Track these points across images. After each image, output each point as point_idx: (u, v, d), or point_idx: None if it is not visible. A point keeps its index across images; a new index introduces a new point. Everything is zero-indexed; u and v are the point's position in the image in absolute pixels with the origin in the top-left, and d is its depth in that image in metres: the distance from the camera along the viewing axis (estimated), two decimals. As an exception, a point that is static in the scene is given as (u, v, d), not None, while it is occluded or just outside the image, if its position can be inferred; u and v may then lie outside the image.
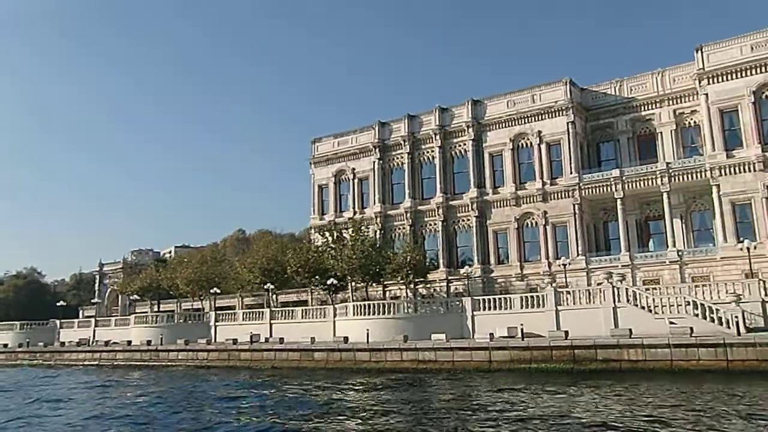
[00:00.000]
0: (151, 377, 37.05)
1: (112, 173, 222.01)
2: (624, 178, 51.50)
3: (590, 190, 53.02)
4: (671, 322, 28.26)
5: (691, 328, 26.34)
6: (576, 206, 53.20)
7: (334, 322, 42.27)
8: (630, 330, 27.94)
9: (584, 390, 22.89)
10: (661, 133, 53.73)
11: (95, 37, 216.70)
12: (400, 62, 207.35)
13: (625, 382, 24.45)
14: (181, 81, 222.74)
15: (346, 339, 36.80)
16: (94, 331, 59.26)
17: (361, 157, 65.28)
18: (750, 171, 46.86)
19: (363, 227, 53.52)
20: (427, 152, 61.67)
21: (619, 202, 51.67)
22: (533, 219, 55.23)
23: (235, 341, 42.26)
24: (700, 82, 49.66)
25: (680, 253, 48.82)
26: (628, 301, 31.99)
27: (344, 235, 52.50)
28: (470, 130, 58.79)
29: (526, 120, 56.49)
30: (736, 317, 26.63)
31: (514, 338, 31.53)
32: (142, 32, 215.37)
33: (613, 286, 32.90)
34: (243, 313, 51.69)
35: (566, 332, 29.65)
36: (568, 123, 54.48)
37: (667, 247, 49.77)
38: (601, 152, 57.10)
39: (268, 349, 38.48)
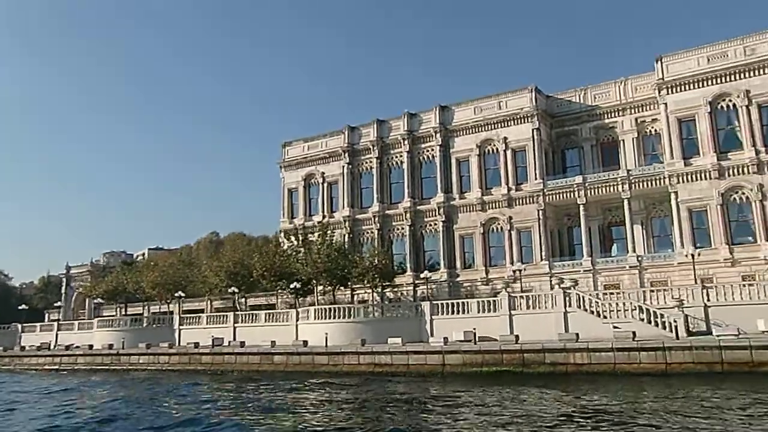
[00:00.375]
0: (105, 382, 36.80)
1: (90, 172, 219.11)
2: (586, 184, 52.46)
3: (554, 196, 53.88)
4: (615, 327, 28.98)
5: (634, 333, 27.05)
6: (540, 212, 54.02)
7: (297, 325, 42.39)
8: (577, 334, 28.56)
9: (525, 391, 23.43)
10: (623, 140, 54.87)
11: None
12: (372, 67, 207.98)
13: (569, 385, 25.04)
14: (178, 74, 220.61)
15: (305, 343, 36.97)
16: (57, 335, 58.52)
17: (331, 162, 65.53)
18: (706, 179, 48.07)
19: (329, 231, 53.60)
20: (396, 157, 62.15)
21: (581, 208, 52.60)
22: (498, 224, 55.94)
23: (196, 345, 42.12)
24: (659, 92, 50.84)
25: (640, 259, 49.88)
26: (578, 306, 32.70)
27: (310, 239, 52.62)
28: (438, 135, 59.40)
29: (493, 126, 57.25)
30: (676, 322, 27.36)
31: (469, 342, 31.97)
32: (95, 35, 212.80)
33: (564, 292, 33.60)
34: (207, 316, 51.51)
35: (517, 336, 30.21)
36: (533, 130, 55.34)
37: (628, 252, 50.77)
38: (566, 159, 58.07)
39: (229, 353, 38.48)
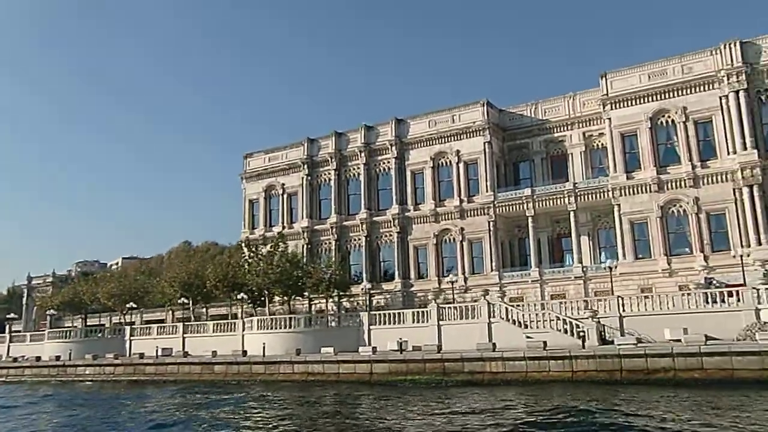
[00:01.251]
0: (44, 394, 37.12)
1: (62, 182, 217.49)
2: (535, 197, 53.80)
3: (504, 207, 55.16)
4: (528, 337, 30.07)
5: (545, 342, 28.14)
6: (491, 223, 55.26)
7: (243, 335, 43.02)
8: (494, 344, 29.60)
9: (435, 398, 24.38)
10: (572, 154, 56.39)
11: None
12: (333, 79, 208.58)
13: (484, 392, 26.02)
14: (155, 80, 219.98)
15: (244, 353, 37.67)
16: (9, 346, 58.32)
17: (291, 173, 66.36)
18: (646, 192, 49.63)
19: (282, 243, 54.36)
20: (354, 169, 63.15)
21: (530, 219, 53.95)
22: (451, 235, 57.07)
23: (141, 355, 42.58)
24: (604, 107, 52.44)
25: (584, 269, 51.24)
26: (501, 317, 33.79)
27: (262, 250, 53.26)
28: (393, 148, 60.53)
29: (446, 139, 58.51)
30: (584, 332, 28.54)
31: (399, 352, 32.88)
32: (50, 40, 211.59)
33: (489, 303, 34.71)
34: (158, 327, 51.85)
35: (439, 346, 31.23)
36: (484, 143, 56.66)
37: (573, 263, 52.12)
38: (518, 171, 59.45)
39: (172, 363, 39.05)
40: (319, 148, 65.39)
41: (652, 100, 50.46)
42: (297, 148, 66.60)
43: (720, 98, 48.05)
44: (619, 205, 50.43)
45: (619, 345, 26.49)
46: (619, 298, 32.91)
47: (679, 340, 26.76)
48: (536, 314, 32.93)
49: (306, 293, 55.84)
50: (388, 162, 61.14)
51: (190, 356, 40.11)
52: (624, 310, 32.02)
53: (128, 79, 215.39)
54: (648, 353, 25.09)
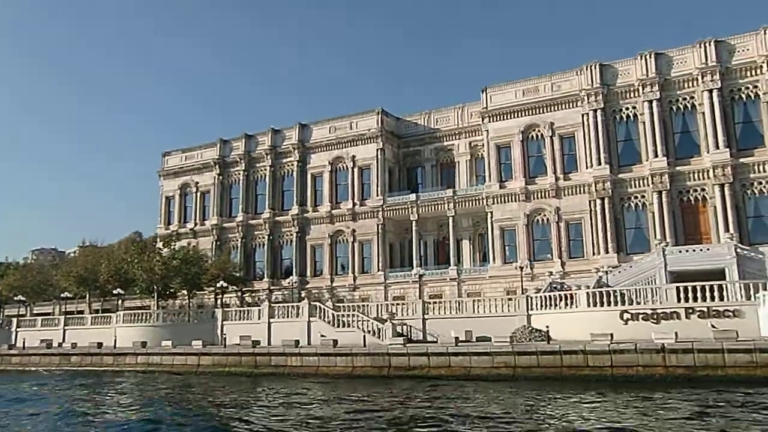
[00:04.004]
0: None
1: (25, 172, 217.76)
2: (419, 202, 57.15)
3: (392, 211, 58.48)
4: (322, 335, 33.42)
5: (335, 341, 31.43)
6: (379, 226, 58.54)
7: (116, 328, 45.90)
8: (297, 341, 32.85)
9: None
10: (459, 162, 59.83)
11: None
12: (243, 80, 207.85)
13: (282, 383, 29.18)
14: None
15: (99, 345, 40.65)
16: None
17: (204, 172, 69.12)
18: (515, 201, 53.14)
19: (172, 241, 57.32)
20: (261, 170, 66.08)
21: (414, 223, 57.31)
22: (344, 236, 60.30)
23: (11, 347, 45.38)
24: (483, 120, 55.80)
25: (459, 272, 54.70)
26: (318, 317, 37.07)
27: (167, 247, 55.95)
28: (296, 151, 63.53)
29: (344, 145, 61.62)
30: (365, 331, 31.95)
31: (239, 345, 36.04)
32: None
33: (310, 304, 38.02)
34: (42, 320, 54.55)
35: (255, 342, 34.45)
36: (377, 150, 59.86)
37: (449, 265, 55.58)
38: (413, 177, 62.76)
39: (35, 354, 41.91)
40: (231, 149, 68.22)
41: (525, 115, 53.90)
42: (211, 148, 69.34)
43: (582, 115, 51.59)
44: (491, 212, 53.92)
45: (388, 344, 29.83)
46: (423, 303, 36.31)
47: (468, 341, 30.17)
48: (348, 315, 36.24)
49: (206, 288, 58.91)
50: (292, 165, 64.13)
51: (54, 348, 42.97)
52: (427, 314, 35.39)
53: (86, 63, 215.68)
54: (410, 352, 28.41)
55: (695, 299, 26.56)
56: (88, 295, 57.02)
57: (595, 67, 51.23)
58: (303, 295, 61.05)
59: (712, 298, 26.24)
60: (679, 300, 26.67)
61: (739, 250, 41.04)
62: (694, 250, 42.61)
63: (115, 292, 52.38)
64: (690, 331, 25.44)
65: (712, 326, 24.51)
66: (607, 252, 48.72)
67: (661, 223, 47.53)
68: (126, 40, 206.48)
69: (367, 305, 39.90)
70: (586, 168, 50.84)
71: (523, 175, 53.27)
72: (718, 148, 46.64)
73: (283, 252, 64.03)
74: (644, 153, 49.29)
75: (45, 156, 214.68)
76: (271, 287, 62.36)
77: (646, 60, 49.79)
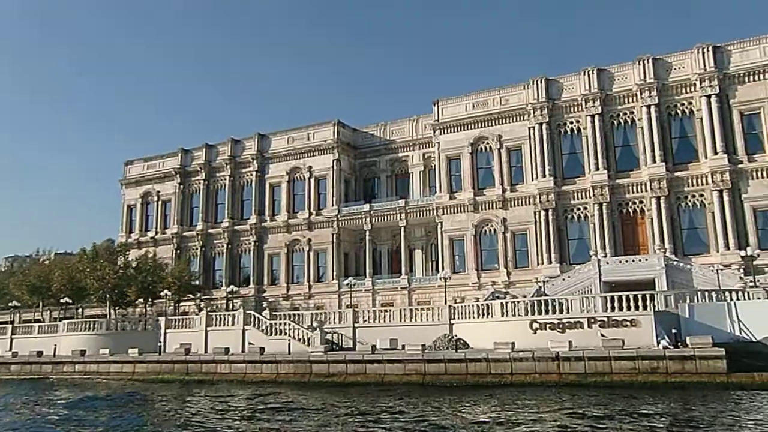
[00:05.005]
0: None
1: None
2: (372, 212, 58.22)
3: (347, 221, 59.49)
4: (250, 343, 34.31)
5: (261, 348, 32.31)
6: (334, 235, 59.51)
7: (61, 337, 46.29)
8: (227, 348, 33.67)
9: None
10: (412, 173, 61.04)
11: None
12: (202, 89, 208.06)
13: (204, 389, 29.98)
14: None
15: (39, 353, 41.18)
16: None
17: (166, 181, 69.74)
18: (464, 212, 54.33)
19: (125, 250, 57.96)
20: (221, 180, 66.86)
21: (367, 233, 58.34)
22: (300, 245, 61.18)
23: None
24: (434, 132, 57.04)
25: (410, 281, 55.74)
26: (252, 325, 37.94)
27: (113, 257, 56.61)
28: (255, 162, 64.41)
29: (301, 156, 62.63)
30: (296, 339, 32.88)
31: (175, 353, 36.75)
32: None
33: (245, 313, 38.93)
34: (-6, 328, 54.95)
35: (188, 349, 35.22)
36: (333, 160, 60.92)
37: (400, 274, 56.61)
38: (369, 187, 63.85)
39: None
40: (192, 159, 68.94)
41: (475, 128, 55.21)
42: (173, 157, 70.00)
43: (528, 129, 52.97)
44: (441, 222, 55.06)
45: (310, 352, 30.76)
46: (353, 312, 37.29)
47: (394, 349, 31.17)
48: (281, 324, 37.11)
49: (162, 296, 59.40)
50: (251, 174, 64.97)
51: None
52: (357, 322, 36.34)
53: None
54: (329, 360, 29.34)
55: (596, 310, 27.75)
56: (41, 304, 57.29)
57: (541, 82, 52.72)
58: (264, 304, 62.43)
59: (612, 309, 27.42)
60: (581, 311, 27.86)
61: (668, 261, 42.47)
62: (627, 261, 44.05)
63: (62, 301, 52.80)
64: (591, 339, 26.55)
65: (602, 335, 25.67)
66: (550, 262, 49.99)
67: (601, 234, 48.92)
68: (88, 45, 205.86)
69: (301, 314, 40.76)
70: (532, 180, 52.18)
71: (472, 186, 54.52)
72: (655, 162, 48.19)
73: (242, 260, 64.74)
74: (587, 166, 50.72)
75: (16, 160, 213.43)
76: (230, 295, 62.72)
77: (588, 75, 51.34)
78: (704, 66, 47.59)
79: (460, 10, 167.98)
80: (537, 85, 52.77)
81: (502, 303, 30.95)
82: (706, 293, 29.88)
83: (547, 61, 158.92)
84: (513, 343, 25.82)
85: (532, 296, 38.91)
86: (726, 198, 45.73)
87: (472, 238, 53.62)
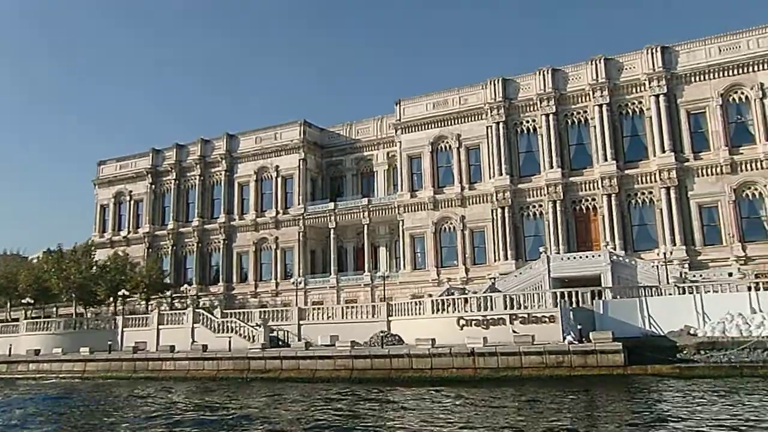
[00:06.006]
0: None
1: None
2: (337, 210, 59.31)
3: (313, 219, 60.59)
4: (194, 341, 35.45)
5: (204, 346, 33.44)
6: (300, 233, 60.61)
7: (21, 337, 47.25)
8: (173, 346, 34.78)
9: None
10: (377, 171, 62.16)
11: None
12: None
13: (155, 385, 31.09)
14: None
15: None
16: None
17: (138, 181, 70.68)
18: (425, 210, 55.45)
19: (92, 252, 59.01)
20: (192, 179, 67.83)
21: (332, 231, 59.47)
22: (268, 243, 62.27)
23: None
24: (396, 132, 58.10)
25: (372, 278, 56.87)
26: (201, 324, 39.07)
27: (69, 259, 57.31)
28: (224, 161, 65.41)
29: (269, 155, 63.65)
30: (242, 336, 34.06)
31: (123, 351, 37.85)
32: None
33: (194, 312, 40.07)
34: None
35: (135, 347, 36.44)
36: (299, 160, 61.96)
37: (364, 272, 57.77)
38: (336, 186, 64.94)
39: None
40: (164, 159, 69.86)
41: (435, 127, 56.28)
42: (145, 157, 70.92)
43: (486, 128, 54.04)
44: (403, 220, 56.20)
45: (248, 349, 31.91)
46: (299, 309, 38.45)
47: (333, 345, 32.33)
48: (230, 321, 38.25)
49: (132, 295, 60.43)
50: (220, 174, 65.96)
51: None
52: (303, 320, 37.48)
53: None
54: (265, 356, 30.55)
55: (519, 307, 28.89)
56: (9, 304, 58.34)
57: (498, 82, 53.77)
58: (235, 302, 63.57)
59: (530, 306, 28.58)
60: (505, 307, 28.98)
61: (614, 257, 43.68)
62: (574, 258, 45.24)
63: (24, 301, 53.90)
64: (511, 335, 27.67)
65: (513, 332, 26.82)
66: (506, 259, 51.18)
67: (555, 231, 50.10)
68: (76, 42, 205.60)
69: (250, 312, 41.90)
70: (490, 178, 53.28)
71: (433, 185, 55.62)
72: (606, 160, 49.35)
73: (212, 259, 65.80)
74: (542, 164, 51.84)
75: (6, 158, 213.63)
76: (200, 293, 63.98)
77: (543, 76, 52.41)
78: (653, 66, 48.72)
79: (433, 9, 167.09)
80: (494, 85, 53.83)
81: (432, 301, 32.08)
82: (621, 291, 31.07)
83: (507, 62, 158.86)
84: (433, 340, 26.97)
85: (485, 292, 40.13)
86: (673, 195, 46.95)
87: (432, 236, 54.77)
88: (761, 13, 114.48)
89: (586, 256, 45.06)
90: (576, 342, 24.88)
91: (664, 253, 43.97)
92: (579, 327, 25.94)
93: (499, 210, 52.15)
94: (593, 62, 50.83)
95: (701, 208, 46.57)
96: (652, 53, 48.97)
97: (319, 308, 39.28)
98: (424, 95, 57.51)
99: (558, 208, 50.31)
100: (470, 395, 22.06)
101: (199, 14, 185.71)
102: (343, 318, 35.83)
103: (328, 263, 62.41)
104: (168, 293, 63.82)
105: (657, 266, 41.29)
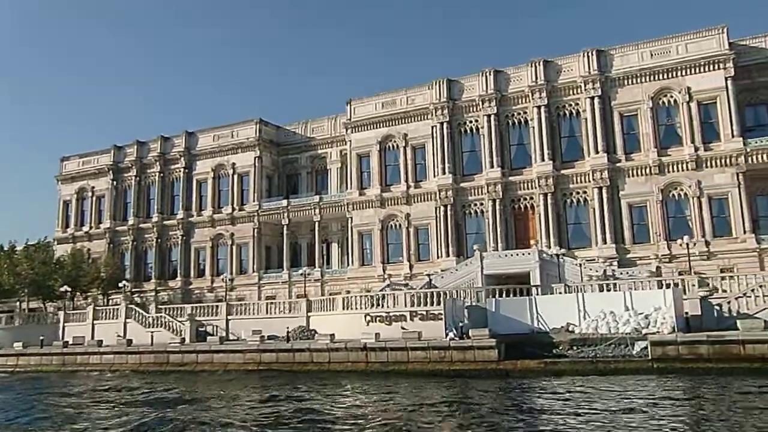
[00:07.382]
0: None
1: None
2: (290, 207, 60.66)
3: (267, 216, 61.93)
4: (118, 335, 36.94)
5: (130, 341, 34.94)
6: (255, 230, 61.98)
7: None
8: (100, 341, 36.27)
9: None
10: (330, 169, 63.51)
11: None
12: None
13: (81, 378, 32.52)
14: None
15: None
16: None
17: (100, 177, 71.79)
18: (372, 207, 56.86)
19: (44, 246, 60.23)
20: (152, 176, 68.99)
21: (285, 228, 60.86)
22: (224, 239, 63.62)
23: None
24: (347, 131, 59.37)
25: (323, 273, 58.37)
26: (133, 319, 40.51)
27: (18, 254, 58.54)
28: (183, 158, 66.60)
29: (225, 153, 64.88)
30: (171, 331, 35.54)
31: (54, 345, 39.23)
32: None
33: (127, 306, 41.54)
34: None
35: (65, 342, 37.91)
36: (255, 157, 63.22)
37: (313, 267, 59.18)
38: (292, 183, 66.25)
39: None
40: (125, 155, 70.96)
41: (383, 126, 57.59)
42: (107, 154, 71.97)
43: (432, 128, 55.38)
44: (351, 217, 57.61)
45: (168, 343, 33.41)
46: (227, 305, 39.94)
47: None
48: (161, 316, 39.73)
49: (93, 290, 61.80)
50: (179, 171, 67.15)
51: None
52: (230, 315, 38.98)
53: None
54: (182, 350, 32.05)
55: (419, 304, 30.42)
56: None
57: (443, 82, 55.08)
58: (195, 296, 64.93)
59: (426, 303, 30.10)
60: (406, 305, 30.50)
61: (543, 255, 45.23)
62: (506, 255, 46.77)
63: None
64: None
65: (402, 328, 28.33)
66: (448, 255, 52.65)
67: (495, 228, 51.59)
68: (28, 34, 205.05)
69: (182, 307, 43.35)
70: (434, 177, 54.68)
71: (380, 183, 56.98)
72: (544, 160, 50.81)
73: (171, 254, 67.09)
74: (484, 164, 53.26)
75: None
76: (158, 288, 65.40)
77: (486, 77, 53.74)
78: (589, 69, 50.10)
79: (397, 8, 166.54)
80: (440, 85, 55.14)
81: (343, 298, 33.59)
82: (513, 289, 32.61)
83: (466, 62, 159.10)
84: (332, 335, 28.48)
85: (422, 288, 41.69)
86: (605, 195, 48.48)
87: (379, 233, 56.20)
88: (695, 18, 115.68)
89: (518, 254, 46.55)
90: (457, 338, 26.39)
91: (599, 251, 45.64)
92: (461, 324, 27.42)
93: (442, 208, 53.59)
94: (533, 64, 52.18)
95: (631, 208, 48.14)
96: (589, 56, 50.34)
97: (244, 304, 40.74)
98: (375, 95, 58.77)
99: (498, 207, 51.77)
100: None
101: (160, 4, 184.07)
102: (267, 313, 37.33)
103: (282, 259, 63.87)
104: (127, 287, 65.15)
105: (581, 264, 42.90)
